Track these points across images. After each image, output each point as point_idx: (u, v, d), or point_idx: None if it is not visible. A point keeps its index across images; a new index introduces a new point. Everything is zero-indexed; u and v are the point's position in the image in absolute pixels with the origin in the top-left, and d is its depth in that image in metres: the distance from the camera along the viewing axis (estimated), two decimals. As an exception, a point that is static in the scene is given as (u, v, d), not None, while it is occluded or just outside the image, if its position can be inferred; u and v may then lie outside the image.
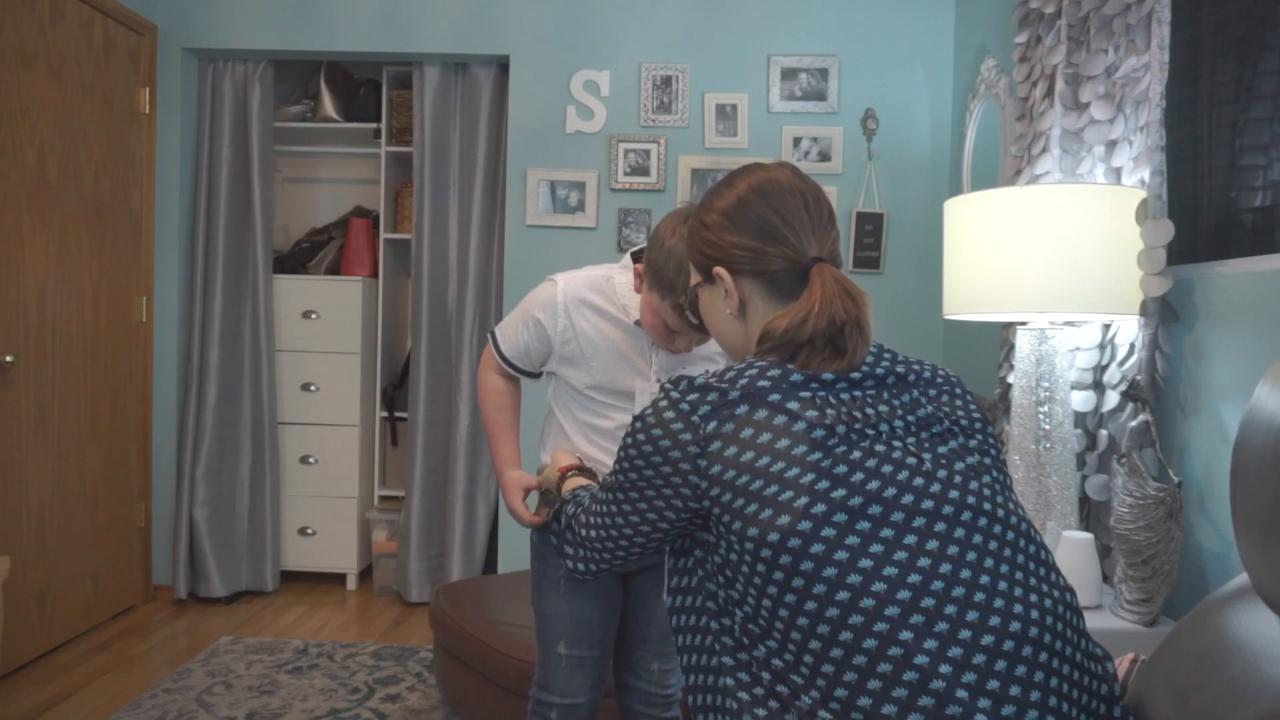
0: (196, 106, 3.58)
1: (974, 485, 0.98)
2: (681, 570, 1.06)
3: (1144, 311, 1.81)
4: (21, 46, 2.78)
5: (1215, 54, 1.89)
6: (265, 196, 3.57)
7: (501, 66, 3.53)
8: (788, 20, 3.34)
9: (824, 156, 3.32)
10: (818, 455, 0.94)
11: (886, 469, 0.95)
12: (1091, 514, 1.99)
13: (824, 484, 0.93)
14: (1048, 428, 1.86)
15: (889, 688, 0.87)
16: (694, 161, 3.34)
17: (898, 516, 0.93)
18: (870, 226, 3.31)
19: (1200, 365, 1.78)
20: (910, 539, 0.92)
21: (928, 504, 0.94)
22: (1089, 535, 1.76)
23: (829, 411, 0.97)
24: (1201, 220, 1.91)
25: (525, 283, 3.40)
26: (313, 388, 3.70)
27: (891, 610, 0.88)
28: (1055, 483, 1.85)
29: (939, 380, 1.08)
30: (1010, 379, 2.22)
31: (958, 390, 1.08)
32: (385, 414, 3.93)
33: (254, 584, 3.61)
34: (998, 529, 0.96)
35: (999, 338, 2.62)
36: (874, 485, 0.94)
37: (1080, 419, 2.02)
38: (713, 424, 0.97)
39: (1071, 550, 1.75)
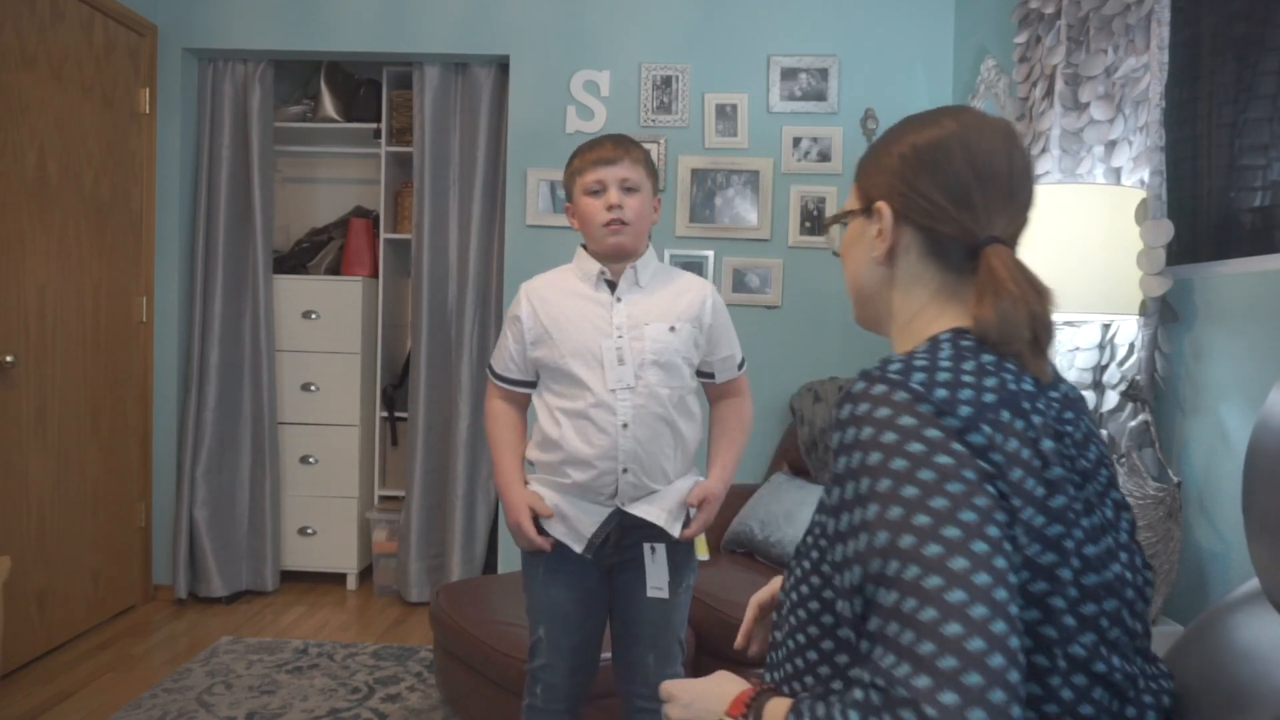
0: (196, 106, 3.58)
1: (1132, 565, 0.88)
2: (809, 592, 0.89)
3: (1144, 311, 1.81)
4: (21, 46, 2.78)
5: (1215, 54, 1.89)
6: (265, 196, 3.57)
7: (501, 66, 3.53)
8: (788, 20, 3.34)
9: (824, 156, 3.32)
10: (1054, 499, 0.81)
11: (1103, 553, 0.84)
12: (1091, 514, 1.99)
13: (1037, 549, 0.81)
14: (1047, 428, 1.86)
15: None
16: (694, 162, 3.34)
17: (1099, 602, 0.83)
18: (870, 226, 3.30)
19: (1200, 365, 1.78)
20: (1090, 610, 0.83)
21: (1122, 593, 0.85)
22: (1089, 535, 1.75)
23: (1046, 443, 0.83)
24: (1201, 220, 1.91)
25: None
26: (313, 388, 3.70)
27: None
28: (1055, 483, 1.85)
29: (1075, 398, 0.93)
30: (1010, 379, 2.21)
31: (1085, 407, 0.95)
32: (385, 414, 3.93)
33: (254, 584, 3.61)
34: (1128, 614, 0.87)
35: (999, 338, 2.62)
36: (1090, 580, 0.82)
37: (1080, 419, 2.01)
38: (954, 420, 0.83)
39: (1071, 550, 1.75)
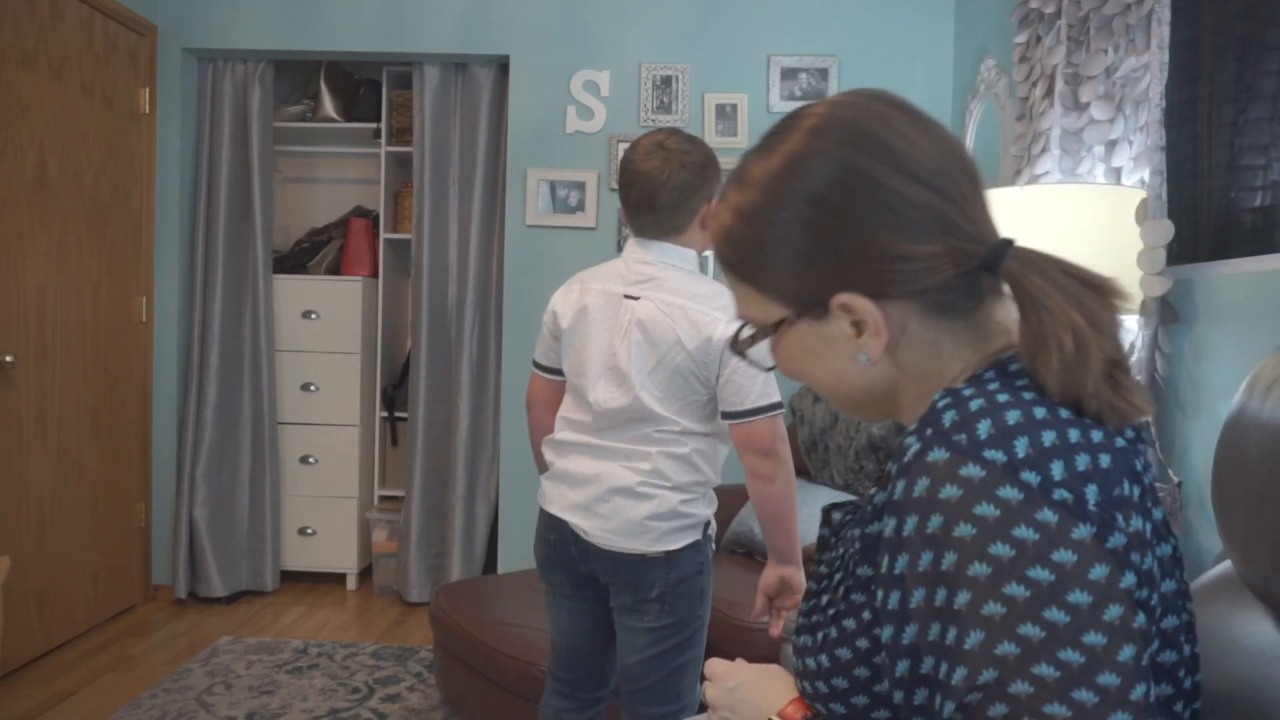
0: (196, 106, 3.58)
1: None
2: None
3: (1144, 311, 1.81)
4: (21, 46, 2.78)
5: (1215, 54, 1.89)
6: (265, 196, 3.57)
7: (501, 66, 3.53)
8: (788, 20, 3.34)
9: (824, 156, 3.31)
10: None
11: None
12: (1091, 514, 1.99)
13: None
14: (1048, 428, 1.85)
15: None
16: (694, 161, 3.33)
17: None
18: (870, 226, 3.30)
19: (1200, 365, 1.78)
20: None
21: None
22: (1089, 535, 1.75)
23: (1157, 513, 0.68)
24: (1201, 220, 1.91)
25: (525, 283, 3.40)
26: (313, 388, 3.70)
27: None
28: (1055, 483, 1.85)
29: (1143, 429, 0.71)
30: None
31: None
32: (385, 414, 3.93)
33: (254, 584, 3.61)
34: None
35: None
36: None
37: (1080, 419, 2.01)
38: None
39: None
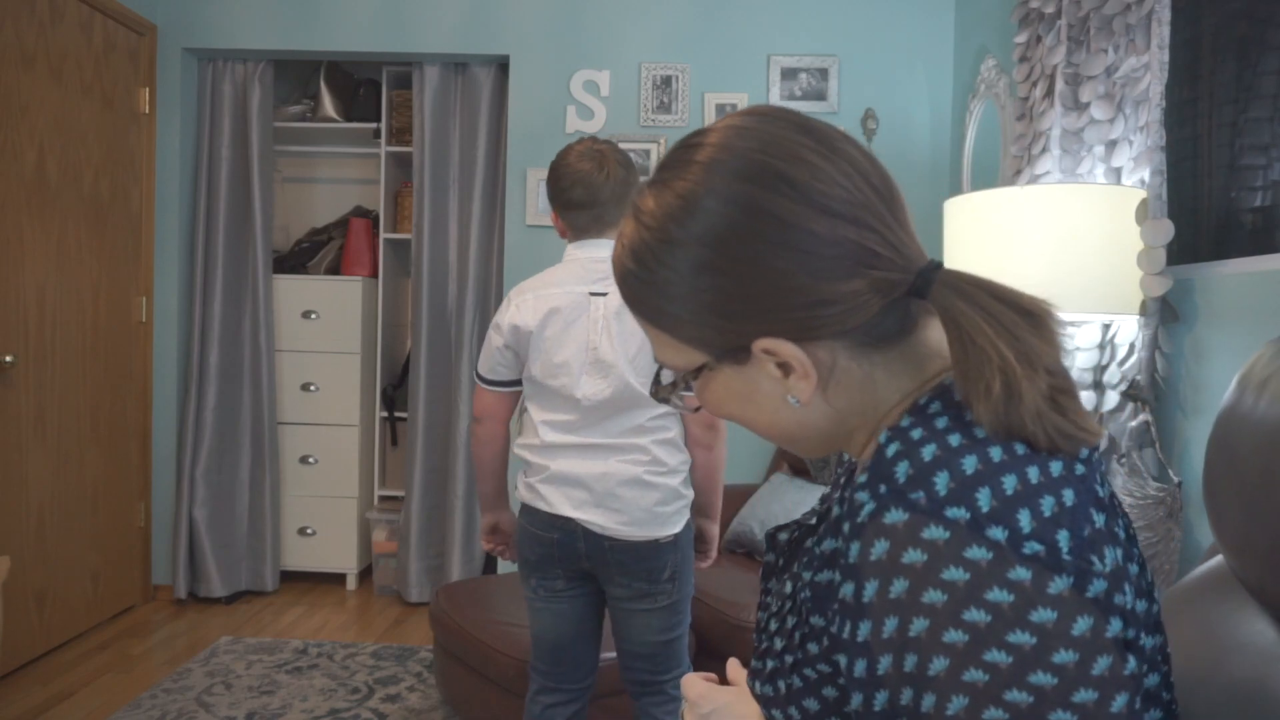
0: (196, 106, 3.58)
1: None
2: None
3: (1144, 311, 1.81)
4: (21, 46, 2.78)
5: (1215, 54, 1.89)
6: (265, 196, 3.57)
7: (501, 66, 3.53)
8: (788, 20, 3.34)
9: (824, 156, 3.31)
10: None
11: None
12: (1091, 514, 1.99)
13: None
14: (1048, 428, 1.85)
15: None
16: (694, 161, 3.33)
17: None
18: (870, 226, 3.30)
19: (1200, 365, 1.78)
20: None
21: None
22: (1089, 535, 1.75)
23: (1121, 533, 0.64)
24: (1201, 220, 1.91)
25: (525, 283, 3.40)
26: (313, 388, 3.70)
27: None
28: (1055, 483, 1.85)
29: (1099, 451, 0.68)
30: (1010, 379, 2.21)
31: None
32: (385, 414, 3.93)
33: (254, 584, 3.61)
34: None
35: (999, 338, 2.61)
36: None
37: (1080, 419, 2.01)
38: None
39: (1071, 550, 1.75)
